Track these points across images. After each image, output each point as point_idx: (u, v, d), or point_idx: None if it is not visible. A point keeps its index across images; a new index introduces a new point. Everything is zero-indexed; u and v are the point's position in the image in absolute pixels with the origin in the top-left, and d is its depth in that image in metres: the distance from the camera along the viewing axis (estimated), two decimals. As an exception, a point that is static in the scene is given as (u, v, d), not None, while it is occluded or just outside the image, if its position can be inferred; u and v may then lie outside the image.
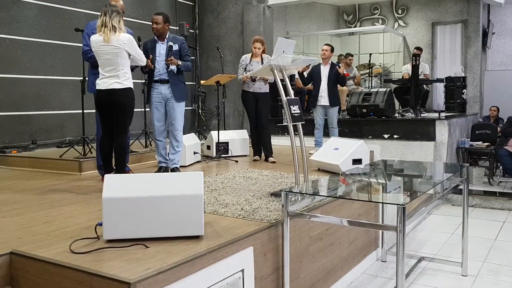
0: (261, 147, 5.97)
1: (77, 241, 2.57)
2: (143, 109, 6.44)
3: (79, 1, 6.98)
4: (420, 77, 8.45)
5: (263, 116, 5.88)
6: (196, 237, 2.63)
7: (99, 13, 4.05)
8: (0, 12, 6.00)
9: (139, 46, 4.78)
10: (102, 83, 4.01)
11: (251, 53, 5.84)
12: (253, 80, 5.68)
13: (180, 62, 4.74)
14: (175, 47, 4.75)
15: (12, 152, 5.89)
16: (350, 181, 3.82)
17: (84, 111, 5.46)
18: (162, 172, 4.76)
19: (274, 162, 5.78)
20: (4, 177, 5.03)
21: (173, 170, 4.86)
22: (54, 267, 2.30)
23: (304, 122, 3.62)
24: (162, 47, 4.75)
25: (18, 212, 3.41)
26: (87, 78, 4.86)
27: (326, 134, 6.58)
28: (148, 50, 4.73)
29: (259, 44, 5.74)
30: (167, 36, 4.77)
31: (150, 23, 4.82)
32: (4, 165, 5.75)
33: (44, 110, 6.51)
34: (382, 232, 4.40)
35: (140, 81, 5.98)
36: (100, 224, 2.62)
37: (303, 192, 3.26)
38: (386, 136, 7.50)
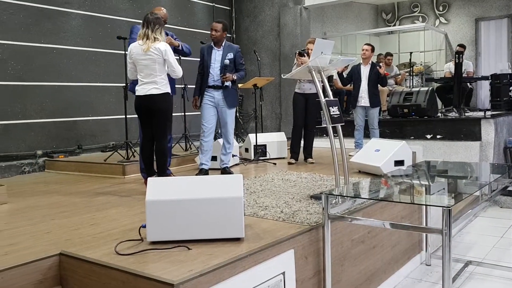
0: (299, 150, 5.93)
1: (122, 243, 2.64)
2: (182, 113, 6.55)
3: (121, 10, 7.19)
4: (463, 75, 8.18)
5: (311, 117, 5.85)
6: (237, 239, 2.65)
7: (139, 21, 4.16)
8: (48, 23, 6.27)
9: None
10: (141, 89, 4.12)
11: None
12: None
13: (235, 77, 4.89)
14: (230, 55, 4.87)
15: (59, 157, 6.13)
16: (392, 183, 3.74)
17: (127, 116, 5.62)
18: (203, 174, 4.82)
19: (312, 163, 5.79)
20: (52, 181, 5.25)
21: (223, 170, 5.01)
22: (101, 268, 2.37)
23: (343, 124, 3.58)
24: (218, 53, 4.90)
25: (66, 214, 3.55)
26: (129, 83, 5.01)
27: (367, 135, 6.47)
28: (205, 55, 4.90)
29: (312, 45, 5.70)
30: (223, 44, 4.90)
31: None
32: (52, 169, 6.00)
33: (89, 116, 6.75)
34: (426, 235, 4.28)
35: (180, 86, 6.09)
36: (144, 226, 2.68)
37: (344, 195, 3.22)
38: (428, 136, 7.29)
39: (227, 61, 4.84)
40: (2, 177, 5.50)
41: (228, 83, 4.87)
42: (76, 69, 6.60)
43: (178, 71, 4.18)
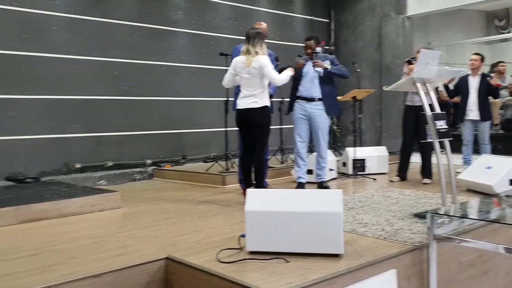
0: (407, 169, 5.54)
1: (222, 251, 2.73)
2: (279, 126, 6.64)
3: (223, 28, 7.53)
4: None
5: (424, 131, 5.44)
6: (335, 256, 2.60)
7: (241, 37, 4.33)
8: (158, 42, 6.78)
9: (277, 66, 4.97)
10: (241, 103, 4.26)
11: None
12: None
13: (327, 66, 4.77)
14: (327, 62, 4.82)
15: (166, 166, 6.56)
16: (506, 204, 3.42)
17: (227, 129, 5.84)
18: (300, 188, 4.81)
19: (426, 183, 5.29)
20: (159, 189, 5.62)
21: (320, 184, 4.96)
22: (203, 274, 2.48)
23: (451, 139, 3.37)
24: (311, 64, 4.83)
25: (171, 221, 3.77)
26: (231, 99, 5.20)
27: (475, 151, 6.01)
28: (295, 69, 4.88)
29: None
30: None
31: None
32: (159, 177, 6.43)
33: (192, 129, 7.13)
34: (548, 264, 3.83)
35: (277, 99, 6.20)
36: (243, 236, 2.75)
37: (452, 215, 3.01)
38: (549, 153, 6.57)
39: (318, 49, 4.78)
40: (116, 184, 6.01)
41: (319, 70, 4.73)
42: (181, 85, 7.02)
43: (277, 81, 4.24)
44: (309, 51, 4.85)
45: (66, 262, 2.70)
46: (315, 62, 4.74)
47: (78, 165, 5.96)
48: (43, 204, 3.96)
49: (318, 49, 4.78)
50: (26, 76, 5.61)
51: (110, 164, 6.21)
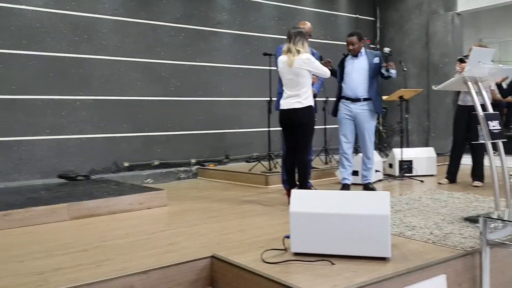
0: (456, 171, 5.35)
1: (267, 251, 2.74)
2: (323, 126, 6.58)
3: (267, 28, 7.54)
4: None
5: (476, 133, 5.23)
6: (382, 259, 2.55)
7: (285, 37, 4.32)
8: (202, 43, 6.88)
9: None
10: (284, 103, 4.23)
11: None
12: None
13: (394, 69, 4.67)
14: (377, 60, 4.72)
15: (210, 165, 6.64)
16: None
17: (270, 129, 5.84)
18: (345, 190, 4.74)
19: (476, 186, 5.09)
20: (203, 188, 5.71)
21: (365, 186, 4.87)
22: (248, 274, 2.49)
23: (505, 140, 3.22)
24: (356, 62, 4.77)
25: (216, 219, 3.81)
26: (274, 99, 5.20)
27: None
28: (341, 65, 4.81)
29: None
30: (361, 51, 4.79)
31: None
32: (203, 176, 6.52)
33: (235, 128, 7.19)
34: None
35: (321, 99, 6.13)
36: (288, 237, 2.74)
37: (506, 219, 2.87)
38: None
39: (387, 50, 4.63)
40: (163, 182, 6.14)
41: (393, 71, 4.60)
42: (225, 85, 7.10)
43: (325, 73, 4.23)
44: (350, 47, 4.76)
45: (116, 258, 2.79)
46: (388, 63, 4.64)
47: (126, 164, 6.14)
48: (94, 201, 4.12)
49: (387, 49, 4.64)
50: (76, 78, 5.85)
51: (156, 163, 6.36)
